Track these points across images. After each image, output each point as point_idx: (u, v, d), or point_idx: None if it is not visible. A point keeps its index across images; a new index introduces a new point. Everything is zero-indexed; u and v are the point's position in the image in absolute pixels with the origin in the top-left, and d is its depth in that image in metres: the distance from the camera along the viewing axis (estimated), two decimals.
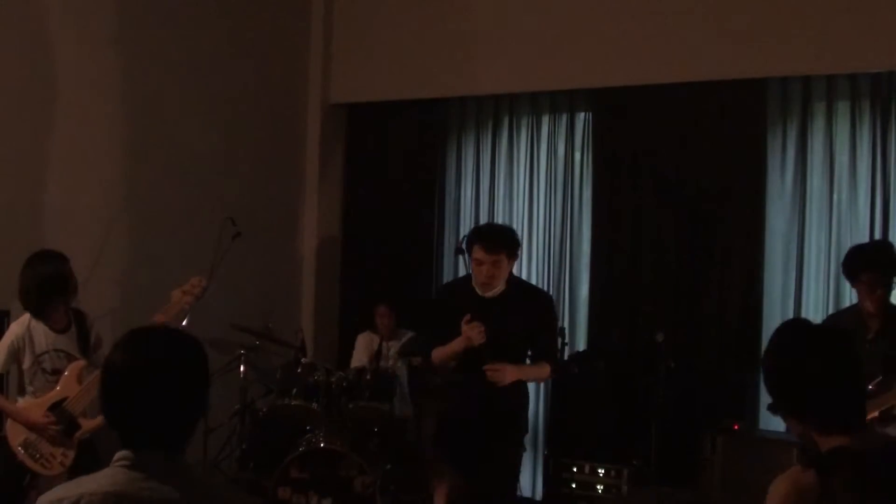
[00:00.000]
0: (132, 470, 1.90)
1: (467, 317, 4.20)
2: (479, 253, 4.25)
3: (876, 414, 4.10)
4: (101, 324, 4.61)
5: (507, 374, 4.24)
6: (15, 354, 4.33)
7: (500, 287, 4.32)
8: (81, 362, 4.39)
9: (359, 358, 6.10)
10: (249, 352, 5.66)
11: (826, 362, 2.06)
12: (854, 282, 4.34)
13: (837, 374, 2.06)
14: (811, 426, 2.07)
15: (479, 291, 4.31)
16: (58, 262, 4.35)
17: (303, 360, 5.56)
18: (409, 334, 6.03)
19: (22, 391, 4.40)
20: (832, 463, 2.01)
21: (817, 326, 2.29)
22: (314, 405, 5.27)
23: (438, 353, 4.37)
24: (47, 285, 4.29)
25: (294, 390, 5.39)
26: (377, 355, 5.56)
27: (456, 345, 4.26)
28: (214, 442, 5.56)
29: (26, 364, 4.35)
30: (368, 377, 5.35)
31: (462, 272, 5.72)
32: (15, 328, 4.37)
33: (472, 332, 4.19)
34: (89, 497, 1.87)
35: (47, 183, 5.25)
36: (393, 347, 5.91)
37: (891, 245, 4.59)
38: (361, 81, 6.82)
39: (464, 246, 4.50)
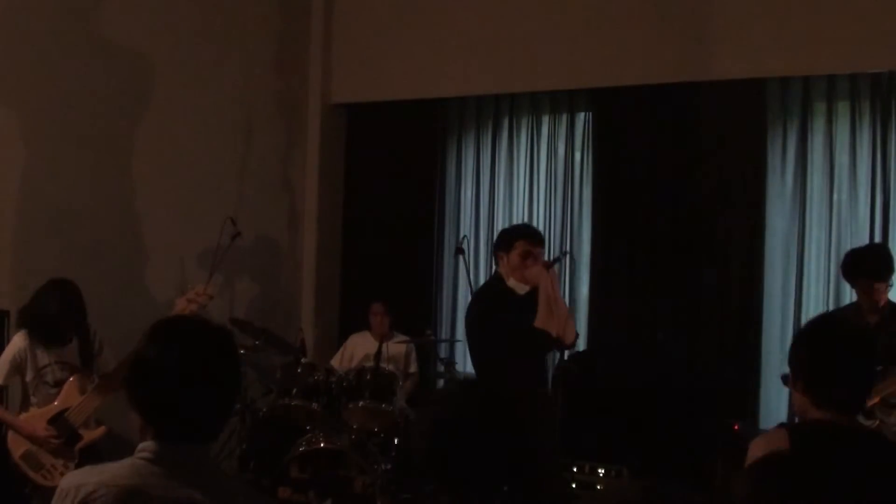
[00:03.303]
0: (153, 464, 1.89)
1: (532, 269, 4.33)
2: (527, 245, 4.40)
3: (877, 400, 4.28)
4: (100, 324, 4.61)
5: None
6: (17, 368, 4.33)
7: (529, 288, 4.46)
8: (84, 373, 4.38)
9: (337, 358, 6.09)
10: (249, 352, 5.66)
11: (843, 347, 2.34)
12: (853, 284, 4.55)
13: (849, 359, 2.32)
14: (811, 397, 2.32)
15: (517, 290, 4.40)
16: (70, 297, 4.33)
17: (303, 360, 5.56)
18: (403, 338, 6.01)
19: (26, 404, 4.40)
20: (808, 431, 2.31)
21: (848, 322, 2.50)
22: (314, 405, 5.27)
23: (543, 322, 4.31)
24: (59, 323, 4.31)
25: (294, 390, 5.39)
26: (377, 355, 5.55)
27: (546, 298, 4.30)
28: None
29: (29, 377, 4.35)
30: (368, 377, 5.35)
31: (462, 272, 5.73)
32: (17, 341, 4.36)
33: (539, 271, 4.31)
34: (106, 488, 1.86)
35: (44, 182, 5.24)
36: (391, 348, 5.90)
37: (886, 248, 4.79)
38: (361, 81, 6.82)
39: (467, 256, 4.53)
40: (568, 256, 4.53)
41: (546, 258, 4.51)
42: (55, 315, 4.28)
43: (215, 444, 1.99)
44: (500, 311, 4.39)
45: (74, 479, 1.92)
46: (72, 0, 5.37)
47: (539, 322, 4.29)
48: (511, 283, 4.43)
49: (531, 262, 4.37)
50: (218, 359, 1.95)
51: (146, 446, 1.92)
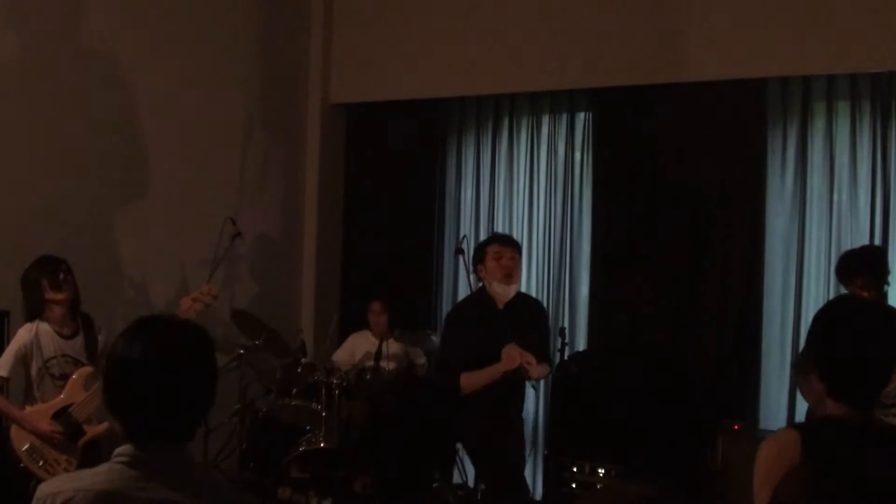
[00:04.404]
0: (130, 468, 1.88)
1: (510, 347, 4.41)
2: (497, 248, 4.58)
3: None
4: (100, 324, 4.61)
5: (535, 369, 4.52)
6: (23, 360, 4.35)
7: (513, 291, 4.61)
8: (88, 368, 4.41)
9: (340, 355, 6.08)
10: (249, 352, 5.66)
11: (866, 335, 2.19)
12: (847, 286, 4.56)
13: (871, 348, 2.18)
14: (827, 387, 2.20)
15: (498, 291, 4.56)
16: (53, 261, 4.39)
17: (303, 360, 5.56)
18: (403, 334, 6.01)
19: (29, 397, 4.41)
20: (819, 428, 2.20)
21: (877, 307, 2.39)
22: (314, 405, 5.27)
23: (469, 380, 4.45)
24: (40, 282, 4.34)
25: (294, 390, 5.38)
26: (377, 354, 5.55)
27: (494, 370, 4.44)
28: (214, 442, 5.56)
29: (34, 369, 4.37)
30: (368, 377, 5.35)
31: (462, 272, 5.74)
32: (23, 334, 4.38)
33: (514, 354, 4.40)
34: (84, 493, 1.85)
35: (45, 183, 5.24)
36: (391, 347, 5.90)
37: (881, 250, 4.87)
38: (361, 81, 6.82)
39: (466, 256, 4.74)
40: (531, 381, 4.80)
41: (520, 270, 4.70)
42: (38, 279, 4.34)
43: (191, 442, 1.98)
44: (469, 324, 4.53)
45: (51, 487, 1.91)
46: (64, 5, 5.37)
47: (466, 379, 4.44)
48: (495, 287, 4.56)
49: (503, 262, 4.52)
50: (189, 357, 1.93)
51: (123, 450, 1.90)
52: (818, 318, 2.32)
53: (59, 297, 4.36)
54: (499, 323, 4.51)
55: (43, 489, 1.91)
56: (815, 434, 2.18)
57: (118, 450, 1.91)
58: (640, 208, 5.93)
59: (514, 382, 4.59)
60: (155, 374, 1.88)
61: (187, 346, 1.94)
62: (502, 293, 4.58)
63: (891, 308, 2.26)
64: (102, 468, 1.90)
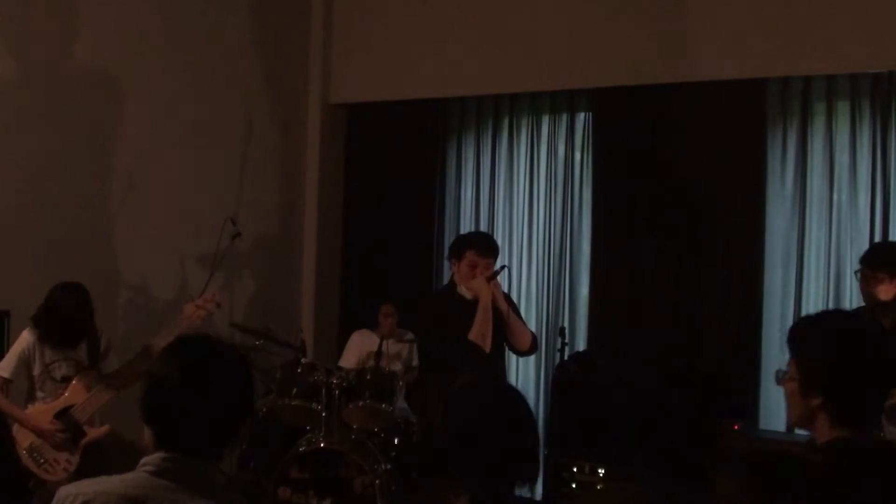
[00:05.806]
0: (156, 476, 1.91)
1: (473, 283, 4.52)
2: (474, 257, 4.58)
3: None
4: (100, 324, 4.62)
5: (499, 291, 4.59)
6: (25, 362, 4.38)
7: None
8: (91, 371, 4.43)
9: (348, 358, 6.08)
10: (249, 352, 5.65)
11: (859, 358, 2.05)
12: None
13: (865, 372, 2.04)
14: (832, 412, 2.05)
15: (466, 296, 4.58)
16: (80, 298, 4.39)
17: (303, 360, 5.56)
18: (409, 334, 6.02)
19: (31, 399, 4.43)
20: (833, 454, 2.02)
21: (863, 322, 2.29)
22: (314, 405, 5.27)
23: (474, 333, 4.47)
24: (73, 326, 4.38)
25: (294, 390, 5.38)
26: (377, 354, 5.55)
27: (483, 310, 4.47)
28: None
29: (36, 371, 4.40)
30: (368, 377, 5.35)
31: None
32: (26, 336, 4.41)
33: (477, 282, 4.49)
34: (105, 497, 1.87)
35: (44, 181, 5.24)
36: (393, 347, 5.91)
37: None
38: (361, 81, 6.82)
39: (448, 253, 4.74)
40: (507, 269, 4.77)
41: (493, 270, 4.64)
42: (70, 318, 4.34)
43: (221, 461, 2.03)
44: (443, 319, 4.55)
45: (72, 489, 1.93)
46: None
47: (473, 335, 4.45)
48: (461, 289, 4.60)
49: (478, 273, 4.53)
50: (228, 379, 1.99)
51: (149, 460, 1.93)
52: (819, 343, 2.19)
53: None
54: (471, 316, 4.52)
55: (64, 490, 1.95)
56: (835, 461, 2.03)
57: (144, 459, 1.95)
58: (640, 208, 5.93)
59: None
60: (194, 394, 1.94)
61: (227, 369, 2.01)
62: (467, 296, 4.61)
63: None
64: (128, 475, 1.94)
